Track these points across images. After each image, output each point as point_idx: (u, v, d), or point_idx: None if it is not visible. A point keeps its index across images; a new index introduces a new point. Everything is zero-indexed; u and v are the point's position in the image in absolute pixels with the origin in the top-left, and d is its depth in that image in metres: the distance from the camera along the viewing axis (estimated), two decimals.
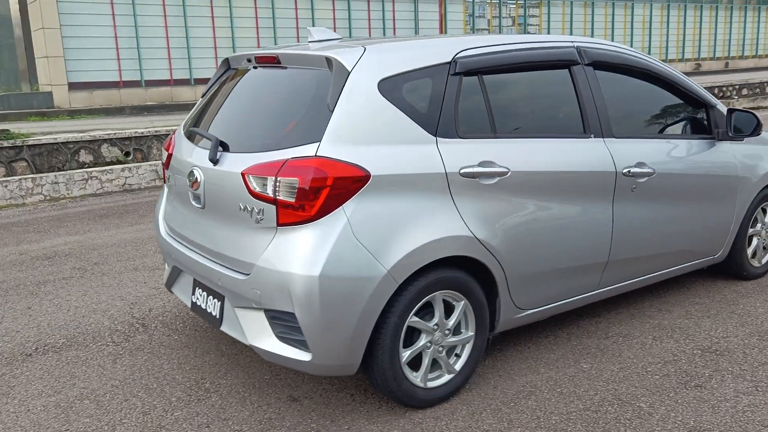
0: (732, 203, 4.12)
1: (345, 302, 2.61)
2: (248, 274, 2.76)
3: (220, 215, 2.96)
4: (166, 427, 2.84)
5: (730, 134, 3.96)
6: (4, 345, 3.69)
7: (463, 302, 2.97)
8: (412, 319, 2.83)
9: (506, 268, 3.05)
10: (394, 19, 20.89)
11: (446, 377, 3.02)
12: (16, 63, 20.36)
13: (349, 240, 2.62)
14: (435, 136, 2.88)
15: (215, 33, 18.27)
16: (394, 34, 20.66)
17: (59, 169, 8.82)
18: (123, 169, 8.90)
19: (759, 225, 4.43)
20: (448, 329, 2.96)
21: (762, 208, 4.42)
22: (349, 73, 2.78)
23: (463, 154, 2.92)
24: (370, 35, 20.72)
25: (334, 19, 19.90)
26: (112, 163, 9.32)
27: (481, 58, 3.10)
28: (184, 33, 17.83)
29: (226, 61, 3.52)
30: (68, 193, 8.26)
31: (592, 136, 3.41)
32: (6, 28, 19.85)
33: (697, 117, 4.04)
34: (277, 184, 2.63)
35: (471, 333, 3.05)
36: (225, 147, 2.96)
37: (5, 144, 8.40)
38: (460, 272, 2.92)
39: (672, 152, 3.75)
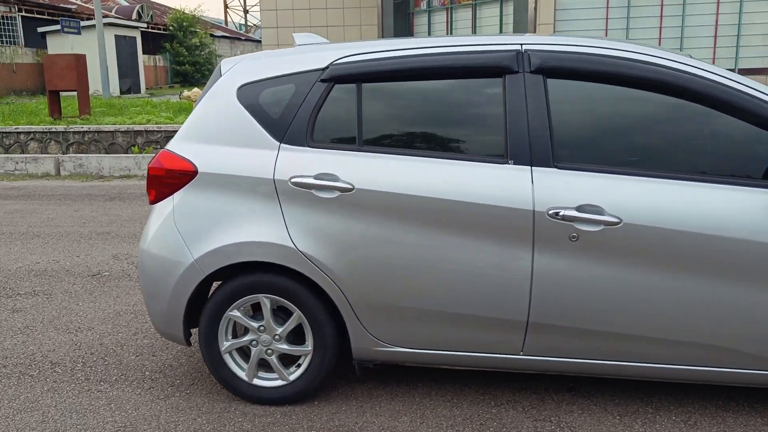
0: None
1: (159, 278, 2.98)
2: None
3: None
4: None
5: None
6: None
7: (296, 313, 2.92)
8: (233, 313, 2.97)
9: (346, 291, 2.83)
10: None
11: (277, 382, 3.02)
12: None
13: (170, 225, 2.96)
14: (280, 142, 2.89)
15: None
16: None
17: None
18: None
19: None
20: (278, 335, 2.96)
21: None
22: (220, 77, 3.04)
23: (304, 163, 2.84)
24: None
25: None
26: None
27: (363, 65, 2.88)
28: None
29: None
30: None
31: (511, 162, 2.73)
32: (522, 24, 22.07)
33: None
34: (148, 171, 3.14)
35: (309, 348, 2.96)
36: None
37: None
38: (289, 282, 2.89)
39: (685, 199, 2.61)
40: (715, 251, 2.59)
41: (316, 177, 2.81)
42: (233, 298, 2.94)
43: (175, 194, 2.97)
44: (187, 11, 32.77)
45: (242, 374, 3.03)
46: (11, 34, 24.66)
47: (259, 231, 2.85)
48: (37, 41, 25.09)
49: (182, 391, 3.18)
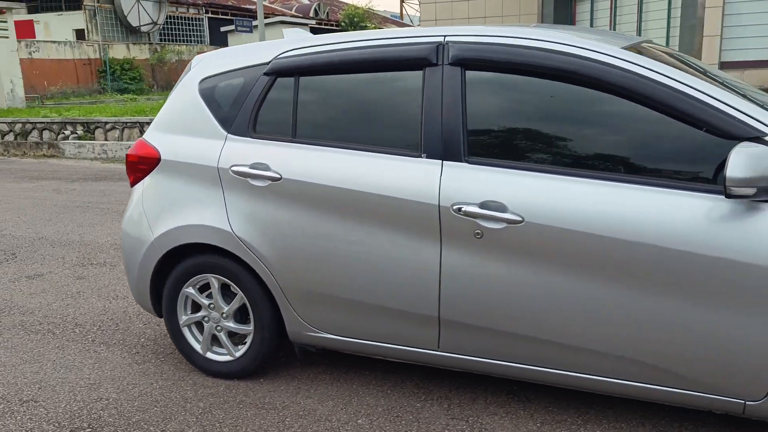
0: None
1: (131, 254, 3.31)
2: None
3: None
4: None
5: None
6: None
7: (239, 294, 3.11)
8: (188, 290, 3.22)
9: (277, 275, 2.97)
10: None
11: (226, 357, 3.23)
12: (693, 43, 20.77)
13: (139, 207, 3.27)
14: (227, 132, 3.08)
15: None
16: None
17: None
18: None
19: None
20: (225, 313, 3.16)
21: None
22: (189, 71, 3.29)
23: (244, 153, 3.01)
24: None
25: None
26: None
27: (300, 59, 2.97)
28: None
29: None
30: None
31: (425, 155, 2.69)
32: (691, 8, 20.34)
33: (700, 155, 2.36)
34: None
35: (251, 328, 3.13)
36: None
37: None
38: (232, 264, 3.07)
39: (595, 199, 2.42)
40: (623, 256, 2.38)
41: (251, 166, 2.97)
42: (187, 276, 3.19)
43: (145, 178, 3.27)
44: (359, 6, 34.10)
45: (198, 347, 3.28)
46: (199, 34, 27.19)
47: (204, 215, 3.06)
48: (220, 40, 27.45)
49: (158, 359, 3.49)
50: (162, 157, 3.20)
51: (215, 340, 3.28)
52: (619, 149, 2.48)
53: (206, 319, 3.24)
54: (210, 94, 3.17)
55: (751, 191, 2.12)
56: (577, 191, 2.45)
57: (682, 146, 2.38)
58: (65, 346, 3.68)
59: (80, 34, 25.07)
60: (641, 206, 2.35)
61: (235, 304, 3.14)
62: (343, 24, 33.29)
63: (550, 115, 2.59)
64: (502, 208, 2.52)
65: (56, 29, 24.76)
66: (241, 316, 3.21)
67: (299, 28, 3.56)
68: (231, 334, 3.25)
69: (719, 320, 2.31)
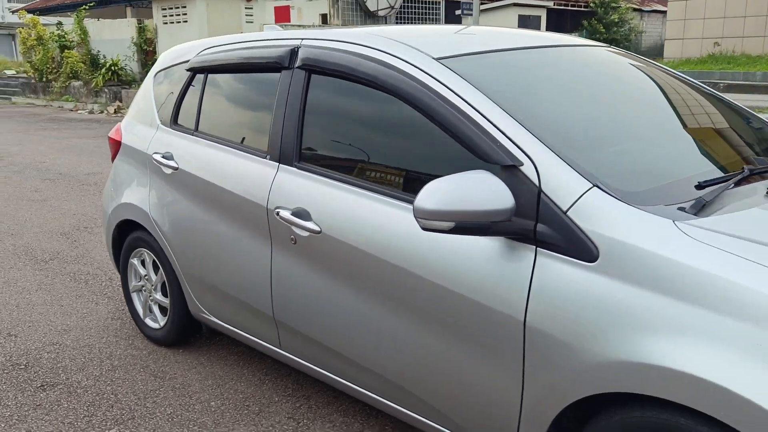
0: (510, 365, 1.96)
1: (104, 222, 3.80)
2: None
3: None
4: None
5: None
6: None
7: (161, 269, 3.43)
8: (132, 261, 3.61)
9: (176, 257, 3.22)
10: None
11: (156, 325, 3.57)
12: None
13: (108, 182, 3.74)
14: (159, 123, 3.39)
15: None
16: None
17: None
18: None
19: None
20: (153, 285, 3.50)
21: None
22: (154, 64, 3.66)
23: (163, 142, 3.29)
24: None
25: None
26: None
27: (206, 57, 3.16)
28: None
29: None
30: None
31: (268, 157, 2.73)
32: None
33: None
34: None
35: (168, 300, 3.44)
36: None
37: None
38: (154, 241, 3.39)
39: (372, 215, 2.29)
40: (391, 282, 2.24)
41: (163, 155, 3.25)
42: (131, 248, 3.59)
43: (115, 158, 3.73)
44: None
45: (140, 312, 3.67)
46: (435, 16, 27.95)
47: (135, 196, 3.43)
48: (456, 22, 27.90)
49: (128, 318, 3.96)
50: (123, 141, 3.61)
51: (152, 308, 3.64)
52: (407, 165, 2.31)
53: (144, 288, 3.61)
54: (157, 87, 3.50)
55: (446, 225, 1.86)
56: (366, 207, 2.33)
57: (465, 168, 2.15)
58: (76, 292, 4.32)
59: (324, 19, 27.26)
60: (412, 230, 2.18)
61: (160, 278, 3.46)
62: (592, 5, 31.66)
63: (365, 124, 2.48)
64: (307, 216, 2.49)
65: (306, 14, 27.19)
66: (166, 290, 3.53)
67: (279, 25, 3.72)
68: (163, 306, 3.59)
69: (466, 359, 2.07)
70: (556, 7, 29.84)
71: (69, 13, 23.66)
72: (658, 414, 1.68)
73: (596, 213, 1.80)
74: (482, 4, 24.45)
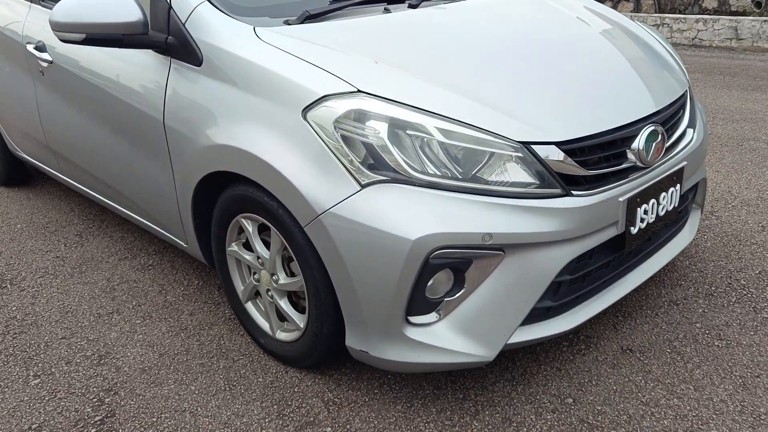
0: (167, 169, 2.36)
1: None
2: None
3: None
4: None
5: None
6: None
7: None
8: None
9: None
10: None
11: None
12: None
13: None
14: None
15: None
16: None
17: (680, 12, 8.87)
18: (697, 21, 8.27)
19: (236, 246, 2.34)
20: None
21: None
22: None
23: None
24: None
25: None
26: (737, 13, 8.46)
27: None
28: None
29: None
30: None
31: None
32: None
33: None
34: None
35: None
36: None
37: None
38: None
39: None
40: (93, 96, 2.64)
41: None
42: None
43: None
44: None
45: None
46: None
47: None
48: None
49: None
50: None
51: None
52: None
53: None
54: None
55: (77, 37, 2.16)
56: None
57: None
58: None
59: None
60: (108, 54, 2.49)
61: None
62: None
63: None
64: (43, 48, 2.80)
65: None
66: None
67: None
68: None
69: (145, 160, 2.46)
70: None
71: None
72: (246, 187, 2.07)
73: (203, 23, 2.11)
74: None
